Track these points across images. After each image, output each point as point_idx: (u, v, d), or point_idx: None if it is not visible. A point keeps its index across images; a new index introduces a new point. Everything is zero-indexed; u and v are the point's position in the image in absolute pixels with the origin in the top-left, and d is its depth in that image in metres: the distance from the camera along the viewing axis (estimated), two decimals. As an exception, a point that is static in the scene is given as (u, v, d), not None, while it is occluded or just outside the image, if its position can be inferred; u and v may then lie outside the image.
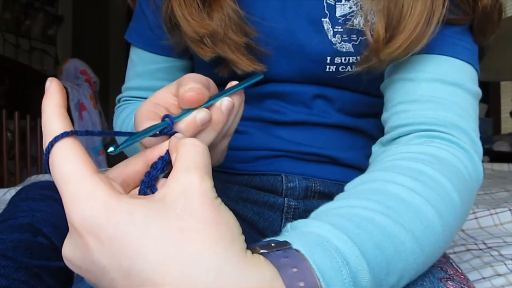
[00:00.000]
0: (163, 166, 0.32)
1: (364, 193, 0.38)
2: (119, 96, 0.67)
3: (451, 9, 0.48)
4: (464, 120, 0.46)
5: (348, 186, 0.42)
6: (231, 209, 0.58)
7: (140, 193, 0.31)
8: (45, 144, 0.28)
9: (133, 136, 0.33)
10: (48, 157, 0.28)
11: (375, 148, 0.51)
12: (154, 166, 0.32)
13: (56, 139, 0.27)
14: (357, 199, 0.37)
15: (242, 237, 0.27)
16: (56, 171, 0.27)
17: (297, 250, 0.28)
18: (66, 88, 2.22)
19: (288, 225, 0.35)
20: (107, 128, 2.69)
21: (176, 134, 0.34)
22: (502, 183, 1.22)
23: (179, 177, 0.28)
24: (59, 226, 0.55)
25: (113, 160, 2.45)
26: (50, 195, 0.61)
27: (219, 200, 0.28)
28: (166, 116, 0.35)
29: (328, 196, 0.58)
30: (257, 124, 0.60)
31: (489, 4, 0.48)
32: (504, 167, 1.54)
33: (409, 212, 0.36)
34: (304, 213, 0.57)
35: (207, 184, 0.27)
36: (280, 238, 0.30)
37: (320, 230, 0.31)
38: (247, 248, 0.27)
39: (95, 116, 2.43)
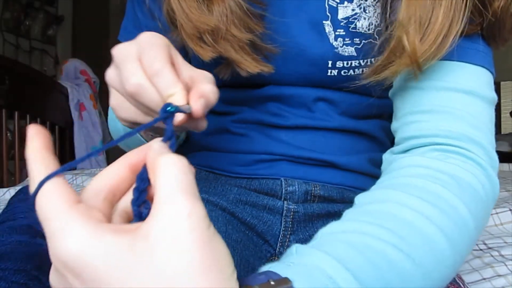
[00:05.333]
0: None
1: (376, 216, 0.37)
2: None
3: None
4: (479, 132, 0.44)
5: (360, 200, 0.41)
6: (230, 211, 0.57)
7: (134, 214, 0.29)
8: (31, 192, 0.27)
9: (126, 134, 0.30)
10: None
11: (386, 156, 0.49)
12: (140, 176, 0.29)
13: (41, 184, 0.26)
14: (368, 224, 0.36)
15: (235, 274, 0.25)
16: (39, 212, 0.26)
17: None
18: (66, 88, 2.22)
19: (294, 247, 0.34)
20: (107, 127, 2.68)
21: (152, 143, 0.29)
22: (502, 183, 1.20)
23: (162, 208, 0.25)
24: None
25: (113, 159, 2.45)
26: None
27: (212, 229, 0.25)
28: (167, 105, 0.32)
29: (329, 200, 0.58)
30: (257, 127, 0.59)
31: (499, 10, 0.45)
32: (504, 167, 1.53)
33: (424, 245, 0.35)
34: (303, 217, 0.57)
35: (197, 212, 0.25)
36: (281, 271, 0.29)
37: (326, 266, 0.31)
38: (246, 284, 0.26)
39: (95, 116, 2.42)
